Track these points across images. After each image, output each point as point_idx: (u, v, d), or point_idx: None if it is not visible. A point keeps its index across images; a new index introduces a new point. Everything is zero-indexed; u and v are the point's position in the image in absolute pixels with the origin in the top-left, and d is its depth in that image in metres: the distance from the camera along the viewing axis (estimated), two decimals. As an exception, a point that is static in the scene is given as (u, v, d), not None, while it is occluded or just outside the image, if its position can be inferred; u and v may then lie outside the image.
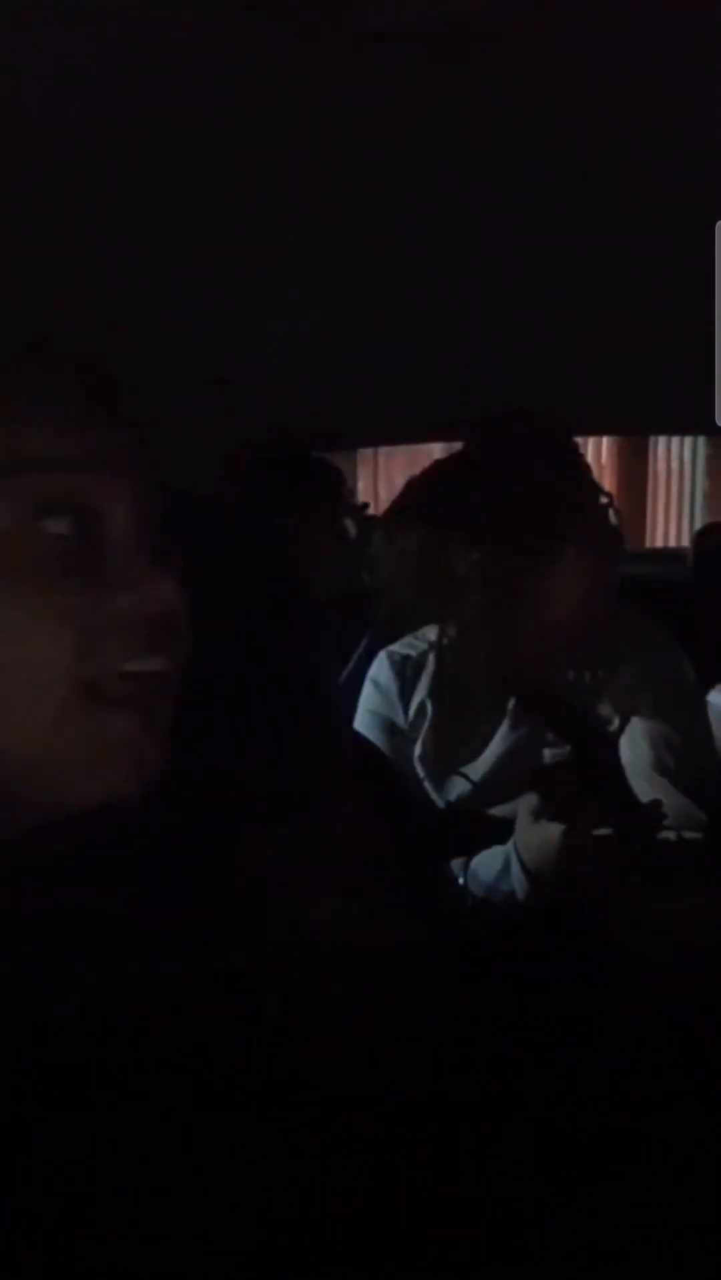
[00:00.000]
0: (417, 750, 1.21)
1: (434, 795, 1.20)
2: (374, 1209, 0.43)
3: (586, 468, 1.17)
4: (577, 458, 1.17)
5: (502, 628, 1.12)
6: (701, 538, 2.16)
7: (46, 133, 0.62)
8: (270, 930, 0.49)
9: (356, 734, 1.16)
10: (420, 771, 1.21)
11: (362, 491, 4.10)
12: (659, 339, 1.05)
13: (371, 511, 2.12)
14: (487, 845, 1.09)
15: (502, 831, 1.08)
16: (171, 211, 0.73)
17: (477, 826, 1.13)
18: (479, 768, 1.19)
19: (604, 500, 1.15)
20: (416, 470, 1.23)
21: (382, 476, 4.62)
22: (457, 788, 1.19)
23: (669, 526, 5.12)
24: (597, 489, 1.16)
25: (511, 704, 1.19)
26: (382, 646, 1.30)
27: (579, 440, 1.28)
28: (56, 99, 0.59)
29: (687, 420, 1.66)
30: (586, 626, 1.13)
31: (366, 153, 0.68)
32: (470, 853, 1.10)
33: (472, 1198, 0.44)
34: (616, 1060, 0.51)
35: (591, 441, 4.34)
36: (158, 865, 0.49)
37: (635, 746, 1.18)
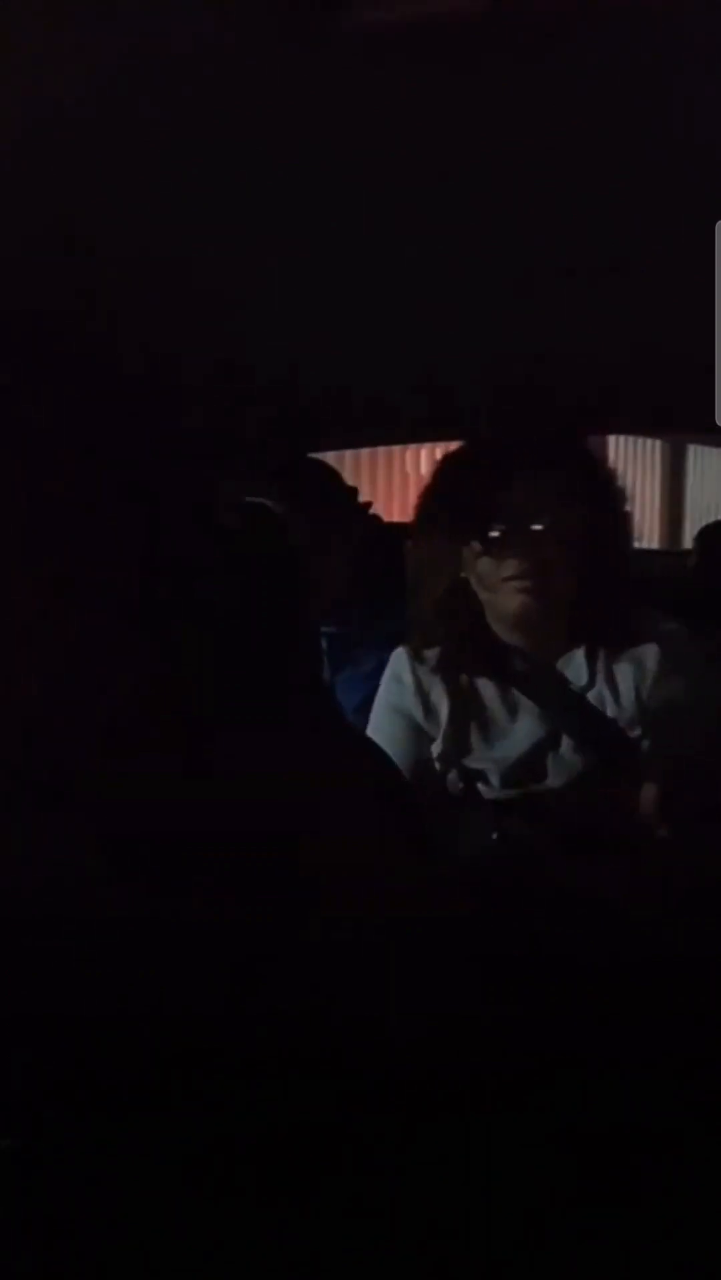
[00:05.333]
0: (437, 747, 1.22)
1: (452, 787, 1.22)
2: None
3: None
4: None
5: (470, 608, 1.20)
6: (704, 536, 2.17)
7: (44, 132, 0.62)
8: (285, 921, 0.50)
9: (363, 735, 1.17)
10: (439, 767, 1.22)
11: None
12: (658, 339, 1.05)
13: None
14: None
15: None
16: (169, 210, 0.73)
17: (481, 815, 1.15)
18: (506, 753, 1.21)
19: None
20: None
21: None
22: (480, 779, 1.21)
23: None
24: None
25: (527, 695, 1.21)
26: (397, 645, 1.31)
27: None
28: (52, 99, 0.59)
29: (687, 420, 1.66)
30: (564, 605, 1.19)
31: (365, 151, 0.68)
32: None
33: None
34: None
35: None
36: (171, 865, 0.49)
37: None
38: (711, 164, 0.68)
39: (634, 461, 5.25)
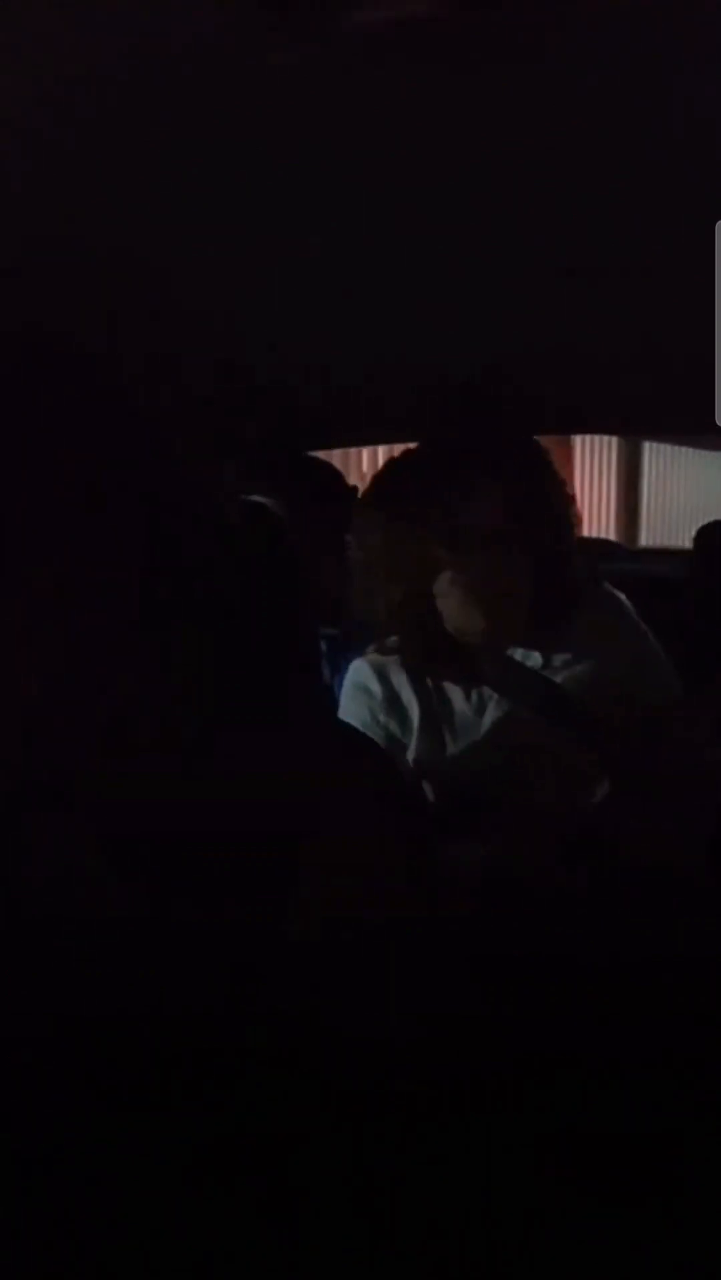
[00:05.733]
0: (411, 753, 1.22)
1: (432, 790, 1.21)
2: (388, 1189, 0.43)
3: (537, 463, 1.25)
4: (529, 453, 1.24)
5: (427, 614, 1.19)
6: (702, 536, 2.16)
7: (43, 134, 0.62)
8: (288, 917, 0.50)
9: (363, 735, 1.16)
10: (419, 771, 1.22)
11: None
12: (658, 339, 1.05)
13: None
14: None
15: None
16: (168, 211, 0.74)
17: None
18: (472, 746, 1.21)
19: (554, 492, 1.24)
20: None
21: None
22: (456, 778, 1.21)
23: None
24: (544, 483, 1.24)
25: (486, 687, 1.23)
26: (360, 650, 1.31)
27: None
28: (52, 100, 0.59)
29: (687, 420, 1.66)
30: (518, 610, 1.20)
31: (362, 151, 0.68)
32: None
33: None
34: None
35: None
36: (172, 865, 0.49)
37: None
38: (711, 164, 0.68)
39: (592, 459, 5.28)
